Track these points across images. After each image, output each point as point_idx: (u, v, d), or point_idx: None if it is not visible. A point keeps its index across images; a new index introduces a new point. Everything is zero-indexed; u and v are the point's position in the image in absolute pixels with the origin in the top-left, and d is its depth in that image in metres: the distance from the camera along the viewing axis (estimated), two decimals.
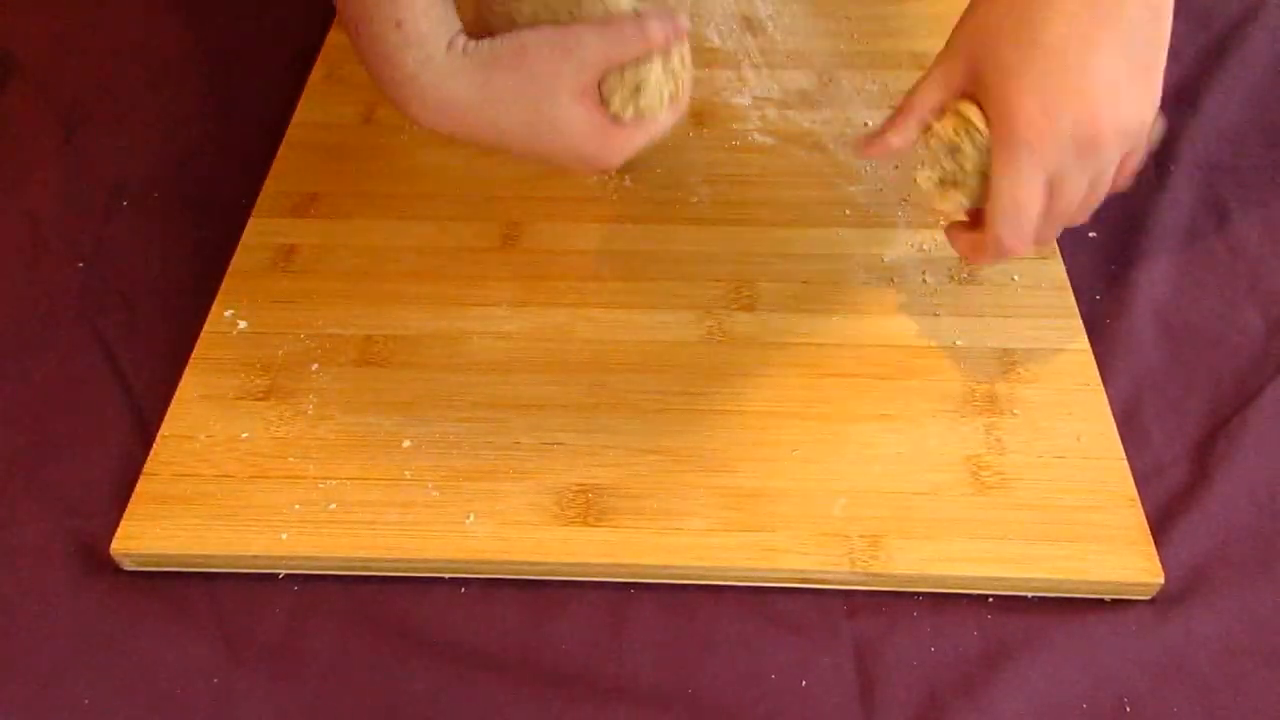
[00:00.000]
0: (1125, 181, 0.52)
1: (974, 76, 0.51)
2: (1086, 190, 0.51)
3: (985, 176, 0.52)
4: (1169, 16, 0.48)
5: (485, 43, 0.53)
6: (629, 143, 0.54)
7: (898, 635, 0.51)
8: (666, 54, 0.54)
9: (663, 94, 0.54)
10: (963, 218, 0.56)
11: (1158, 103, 0.50)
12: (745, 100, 0.77)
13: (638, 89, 0.54)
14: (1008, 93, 0.48)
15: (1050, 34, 0.47)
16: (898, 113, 0.55)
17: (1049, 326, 0.62)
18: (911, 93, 0.54)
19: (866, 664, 0.50)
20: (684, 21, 0.52)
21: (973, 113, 0.52)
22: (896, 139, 0.55)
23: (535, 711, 0.49)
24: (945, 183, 0.55)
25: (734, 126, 0.74)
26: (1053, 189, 0.50)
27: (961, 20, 0.52)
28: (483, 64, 0.52)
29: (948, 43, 0.53)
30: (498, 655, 0.51)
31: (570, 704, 0.49)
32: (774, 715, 0.49)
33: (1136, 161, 0.52)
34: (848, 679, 0.50)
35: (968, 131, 0.52)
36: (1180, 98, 0.77)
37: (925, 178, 0.55)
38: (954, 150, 0.53)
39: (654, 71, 0.54)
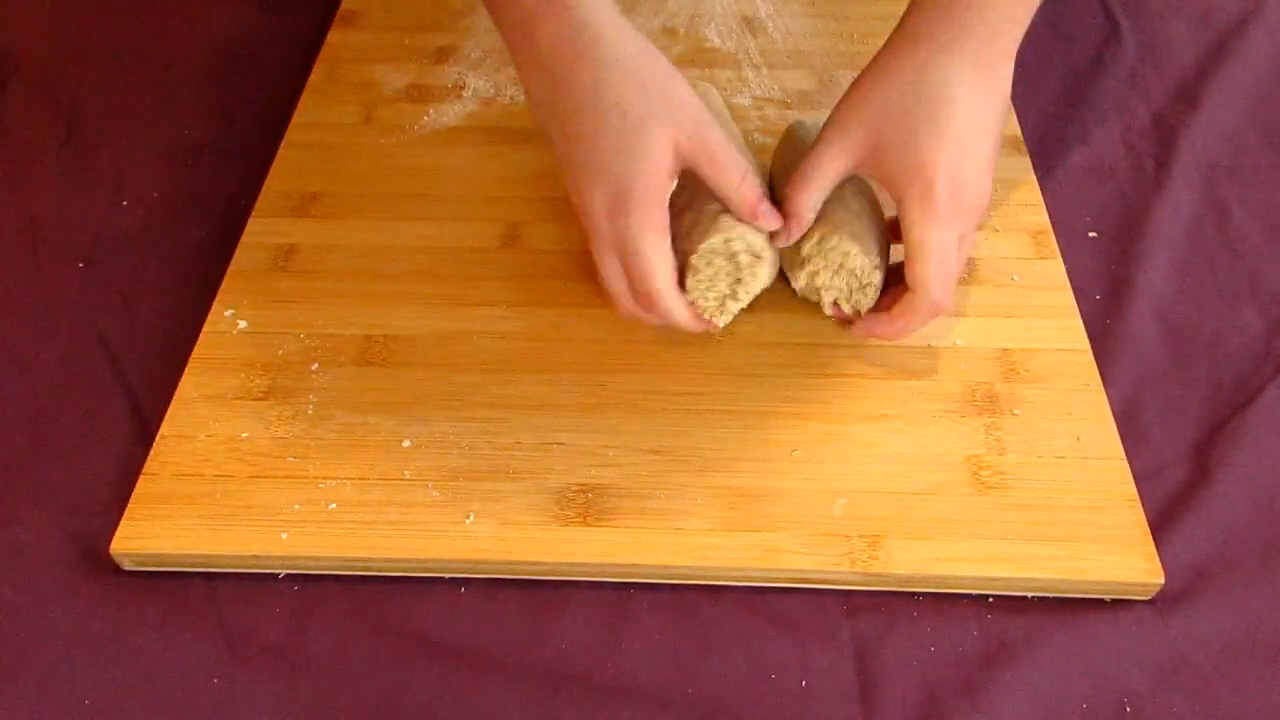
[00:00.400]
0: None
1: (878, 149, 0.55)
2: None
3: (865, 284, 0.59)
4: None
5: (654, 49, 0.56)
6: (640, 239, 0.54)
7: (898, 635, 0.51)
8: (740, 256, 0.57)
9: (709, 270, 0.57)
10: (829, 311, 0.61)
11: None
12: (745, 100, 0.77)
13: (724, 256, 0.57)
14: (926, 172, 0.54)
15: (957, 120, 0.54)
16: (801, 185, 0.57)
17: (1049, 326, 0.62)
18: (812, 164, 0.57)
19: (866, 664, 0.50)
20: (781, 229, 0.57)
21: (849, 246, 0.57)
22: (809, 213, 0.58)
23: (535, 711, 0.49)
24: (821, 288, 0.60)
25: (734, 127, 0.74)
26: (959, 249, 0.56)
27: (856, 98, 0.56)
28: (643, 48, 0.55)
29: (842, 117, 0.56)
30: (498, 655, 0.51)
31: (570, 704, 0.49)
32: (774, 715, 0.49)
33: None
34: (848, 679, 0.50)
35: (846, 256, 0.58)
36: (1180, 97, 0.77)
37: (803, 286, 0.60)
38: (838, 270, 0.59)
39: (733, 246, 0.57)
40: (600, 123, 0.54)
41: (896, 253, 0.62)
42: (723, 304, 0.58)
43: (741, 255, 0.57)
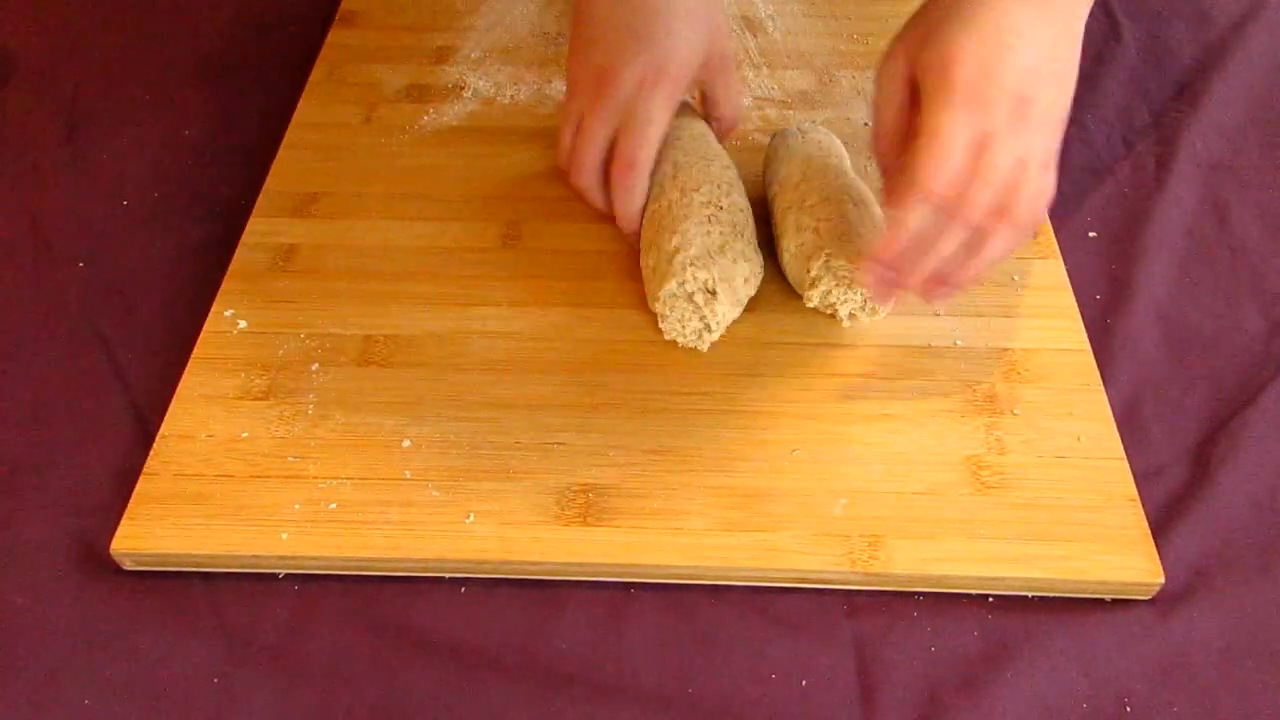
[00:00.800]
0: (1034, 217, 0.53)
1: (915, 65, 0.52)
2: (1011, 169, 0.51)
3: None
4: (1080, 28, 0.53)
5: None
6: (658, 109, 0.62)
7: (898, 635, 0.51)
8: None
9: (675, 313, 0.59)
10: (848, 324, 0.61)
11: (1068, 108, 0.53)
12: (745, 100, 0.76)
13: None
14: (945, 57, 0.50)
15: (992, 20, 0.50)
16: (885, 140, 0.56)
17: (1049, 326, 0.62)
18: (882, 116, 0.55)
19: (866, 664, 0.50)
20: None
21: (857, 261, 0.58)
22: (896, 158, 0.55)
23: (535, 711, 0.49)
24: (836, 303, 0.61)
25: None
26: (980, 150, 0.50)
27: (900, 33, 0.55)
28: None
29: (889, 55, 0.54)
30: (498, 655, 0.51)
31: (570, 704, 0.49)
32: (774, 715, 0.49)
33: (1047, 192, 0.53)
34: (848, 679, 0.50)
35: (855, 271, 0.58)
36: (1180, 97, 0.77)
37: (817, 303, 0.61)
38: (850, 284, 0.59)
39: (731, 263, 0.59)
40: (663, 6, 0.62)
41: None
42: (700, 335, 0.60)
43: (697, 295, 0.58)
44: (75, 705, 0.50)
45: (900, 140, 0.54)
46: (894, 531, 0.53)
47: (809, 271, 0.59)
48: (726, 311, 0.59)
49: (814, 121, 0.69)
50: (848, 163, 0.65)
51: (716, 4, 0.65)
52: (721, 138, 0.69)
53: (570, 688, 0.50)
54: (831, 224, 0.60)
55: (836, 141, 0.67)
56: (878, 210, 0.62)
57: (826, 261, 0.59)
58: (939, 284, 0.54)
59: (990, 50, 0.50)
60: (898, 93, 0.54)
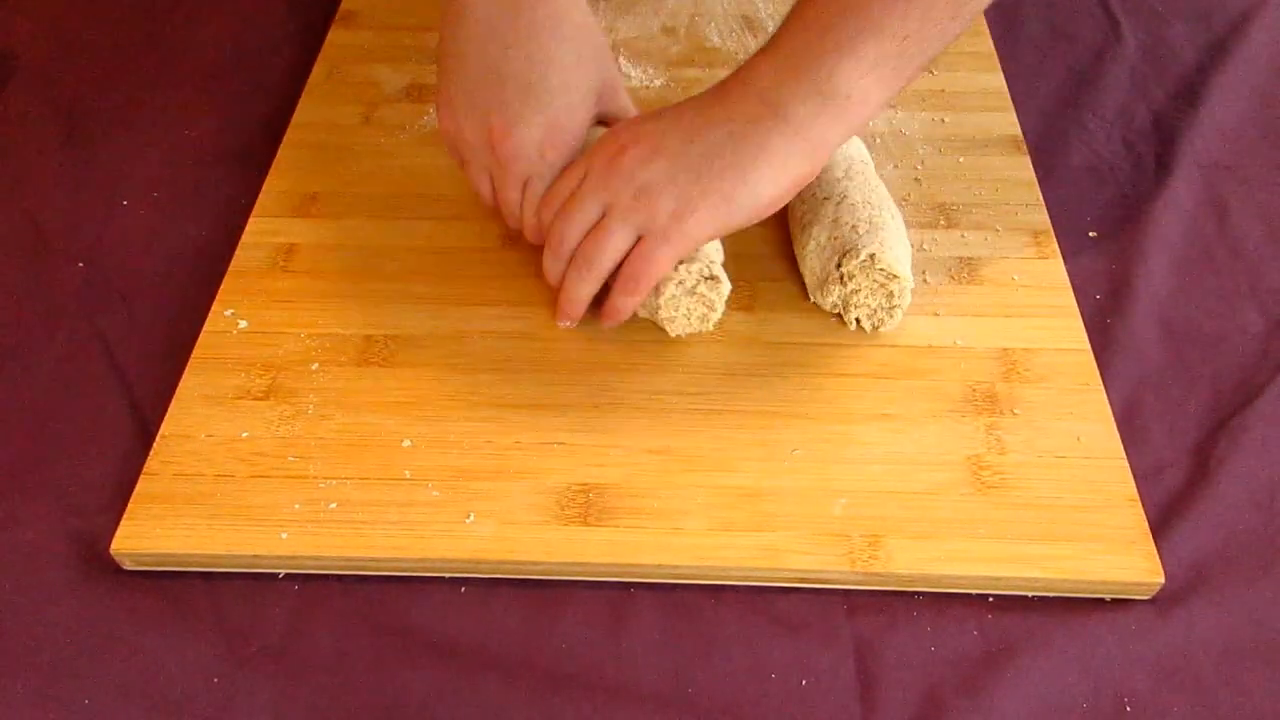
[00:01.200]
0: (633, 271, 0.56)
1: None
2: (595, 216, 0.57)
3: (894, 306, 0.60)
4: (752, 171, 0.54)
5: None
6: (559, 170, 0.60)
7: (898, 635, 0.51)
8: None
9: (680, 311, 0.60)
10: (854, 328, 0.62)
11: (701, 228, 0.55)
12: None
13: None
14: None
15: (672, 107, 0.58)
16: None
17: (1049, 326, 0.62)
18: None
19: (866, 664, 0.50)
20: None
21: (899, 270, 0.58)
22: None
23: (535, 711, 0.49)
24: (854, 305, 0.60)
25: None
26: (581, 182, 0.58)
27: None
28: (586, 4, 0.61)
29: None
30: (498, 655, 0.51)
31: (570, 704, 0.49)
32: (774, 715, 0.49)
33: (659, 258, 0.56)
34: (848, 679, 0.50)
35: (893, 280, 0.59)
36: (1180, 97, 0.77)
37: (834, 300, 0.61)
38: (874, 290, 0.60)
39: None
40: (554, 54, 0.58)
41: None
42: (705, 318, 0.60)
43: (699, 286, 0.58)
44: (75, 705, 0.50)
45: None
46: (894, 531, 0.53)
47: (839, 267, 0.59)
48: (726, 285, 0.59)
49: None
50: (872, 168, 0.65)
51: (597, 31, 0.61)
52: None
53: (570, 688, 0.50)
54: (873, 226, 0.59)
55: (864, 148, 0.67)
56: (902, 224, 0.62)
57: (871, 260, 0.58)
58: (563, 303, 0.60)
59: (621, 129, 0.58)
60: None
